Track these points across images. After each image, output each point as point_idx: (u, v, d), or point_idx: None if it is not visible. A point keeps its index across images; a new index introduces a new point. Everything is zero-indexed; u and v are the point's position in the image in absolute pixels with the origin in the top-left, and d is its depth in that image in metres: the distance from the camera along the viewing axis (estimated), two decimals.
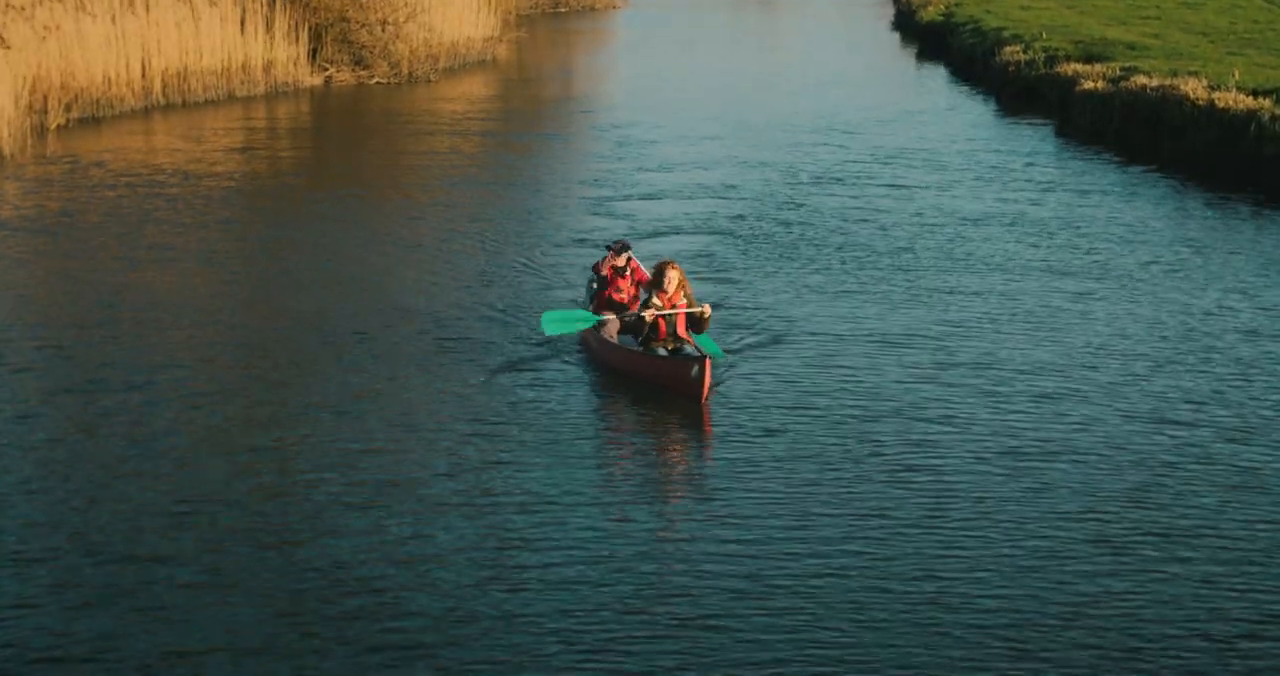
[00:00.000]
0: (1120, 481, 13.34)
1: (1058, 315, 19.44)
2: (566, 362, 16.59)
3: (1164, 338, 18.29)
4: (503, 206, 27.27)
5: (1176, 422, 14.99)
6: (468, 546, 11.79)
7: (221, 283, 21.26)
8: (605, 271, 17.02)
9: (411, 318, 18.95)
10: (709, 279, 21.21)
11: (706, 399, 14.67)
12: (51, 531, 12.06)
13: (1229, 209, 26.88)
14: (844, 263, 22.49)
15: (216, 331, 18.39)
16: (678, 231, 24.88)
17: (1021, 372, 16.72)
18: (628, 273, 16.99)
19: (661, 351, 15.60)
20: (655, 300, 15.51)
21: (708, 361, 14.57)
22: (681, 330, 15.67)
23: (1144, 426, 14.87)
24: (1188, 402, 15.66)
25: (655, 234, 24.58)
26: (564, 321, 16.30)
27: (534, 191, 29.12)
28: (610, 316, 16.56)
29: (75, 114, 35.98)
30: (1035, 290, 20.82)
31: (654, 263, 16.84)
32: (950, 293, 20.61)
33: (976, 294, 20.56)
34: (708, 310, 15.67)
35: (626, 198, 27.95)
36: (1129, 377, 16.55)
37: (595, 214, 26.34)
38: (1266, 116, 28.89)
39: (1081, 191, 28.65)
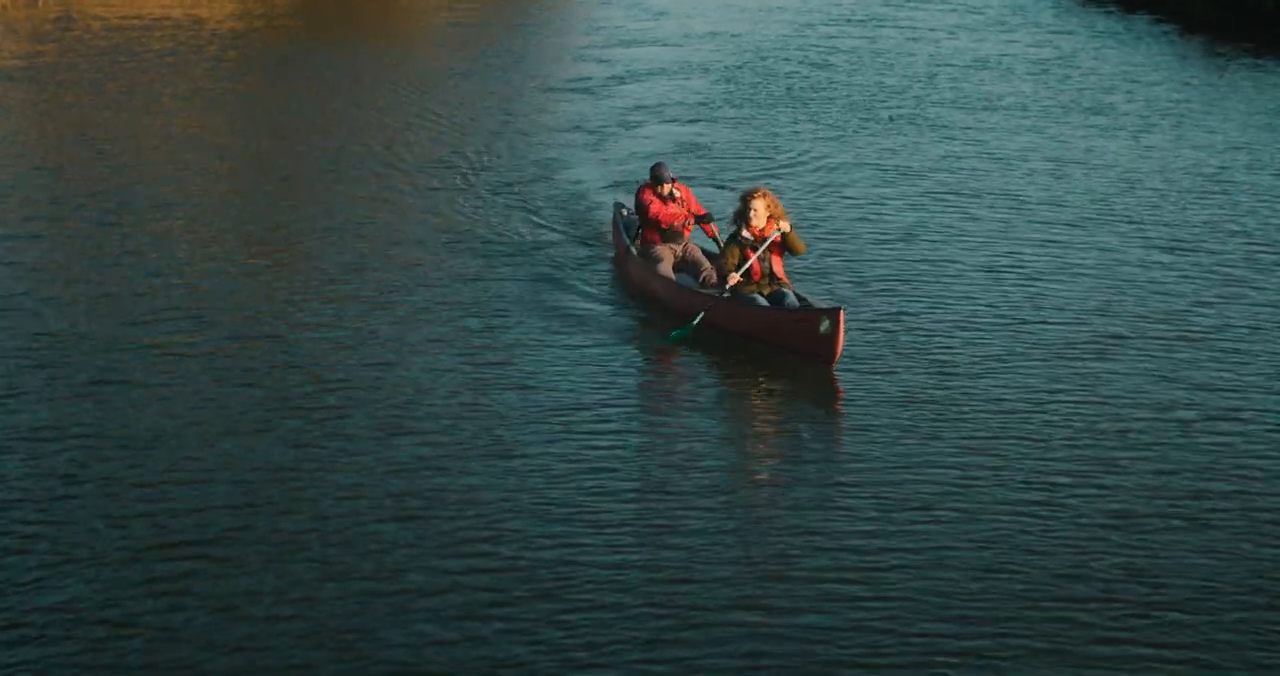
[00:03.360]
0: (1142, 301, 13.52)
1: (1070, 150, 19.55)
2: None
3: (1172, 170, 18.47)
4: (498, 48, 27.07)
5: (1190, 249, 15.20)
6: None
7: (216, 124, 21.23)
8: (646, 196, 13.80)
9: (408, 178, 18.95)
10: (720, 121, 21.23)
11: (838, 360, 11.64)
12: (48, 343, 12.20)
13: (1229, 58, 26.80)
14: (852, 104, 22.48)
15: (213, 167, 18.42)
16: (675, 74, 24.76)
17: (1042, 204, 16.88)
18: (677, 198, 13.87)
19: (759, 298, 12.41)
20: (745, 233, 12.44)
21: (841, 313, 11.50)
22: (779, 269, 12.63)
23: (1161, 251, 15.11)
24: (1200, 228, 15.90)
25: (653, 74, 24.47)
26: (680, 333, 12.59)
27: (531, 36, 28.90)
28: (662, 248, 13.73)
29: None
30: (1046, 128, 20.90)
31: (740, 192, 13.11)
32: (967, 129, 20.69)
33: (994, 131, 20.64)
34: (802, 248, 12.63)
35: (624, 43, 27.81)
36: (1143, 206, 16.78)
37: (591, 60, 26.18)
38: None
39: (1083, 38, 28.59)
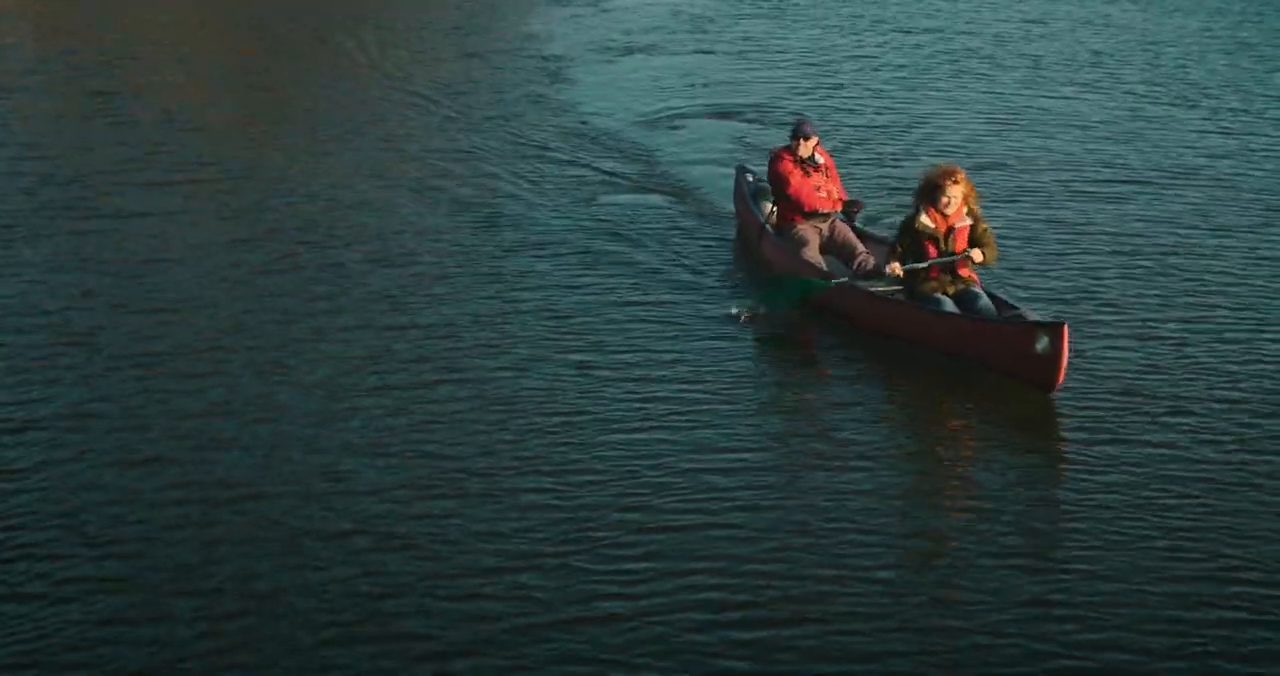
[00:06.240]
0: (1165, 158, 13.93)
1: (1080, 20, 20.80)
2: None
3: (1185, 41, 19.64)
4: None
5: (1206, 106, 16.20)
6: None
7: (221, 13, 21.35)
8: (785, 167, 11.48)
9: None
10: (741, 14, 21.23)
11: (1059, 386, 9.14)
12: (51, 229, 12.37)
13: None
14: None
15: (215, 49, 18.94)
16: None
17: (1064, 62, 17.88)
18: (820, 166, 11.57)
19: (944, 300, 10.00)
20: (924, 219, 10.05)
21: (1065, 329, 9.04)
22: (964, 266, 10.18)
23: (1183, 107, 16.04)
24: (1219, 89, 16.99)
25: None
26: (787, 292, 10.56)
27: None
28: (805, 226, 11.41)
29: None
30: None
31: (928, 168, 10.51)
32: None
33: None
34: (980, 256, 10.10)
35: None
36: (1162, 68, 17.78)
37: None
38: None
39: None
